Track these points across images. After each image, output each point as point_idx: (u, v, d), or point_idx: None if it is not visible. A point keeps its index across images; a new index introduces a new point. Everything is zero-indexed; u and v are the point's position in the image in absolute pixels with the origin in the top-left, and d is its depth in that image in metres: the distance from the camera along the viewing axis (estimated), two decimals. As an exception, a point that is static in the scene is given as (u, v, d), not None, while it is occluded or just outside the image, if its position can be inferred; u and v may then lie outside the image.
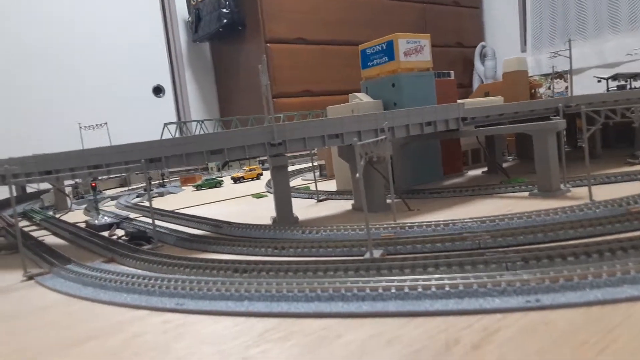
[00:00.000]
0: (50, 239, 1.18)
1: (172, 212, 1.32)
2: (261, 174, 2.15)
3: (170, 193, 1.93)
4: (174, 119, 3.71)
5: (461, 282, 0.52)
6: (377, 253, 0.70)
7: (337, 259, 0.73)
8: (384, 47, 1.32)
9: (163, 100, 3.71)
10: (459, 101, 1.45)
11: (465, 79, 4.40)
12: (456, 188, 1.18)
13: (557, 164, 1.01)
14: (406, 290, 0.53)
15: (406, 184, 1.26)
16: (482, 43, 4.46)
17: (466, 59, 4.41)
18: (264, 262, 0.70)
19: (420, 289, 0.52)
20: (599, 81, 2.04)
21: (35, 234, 1.26)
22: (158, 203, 1.64)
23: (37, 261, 0.92)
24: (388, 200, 1.11)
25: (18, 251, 1.05)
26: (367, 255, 0.69)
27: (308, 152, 1.48)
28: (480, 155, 1.68)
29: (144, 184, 2.14)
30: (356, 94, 1.38)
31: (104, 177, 1.98)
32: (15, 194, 0.84)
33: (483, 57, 4.40)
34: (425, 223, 0.83)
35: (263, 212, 1.24)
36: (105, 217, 1.27)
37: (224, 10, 3.32)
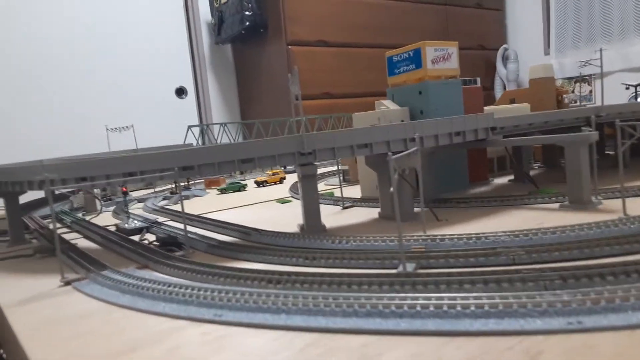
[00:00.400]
0: (82, 243, 1.21)
1: (199, 216, 1.34)
2: (284, 178, 2.17)
3: (196, 196, 1.96)
4: (196, 121, 3.76)
5: (500, 301, 0.52)
6: (409, 267, 0.71)
7: (369, 272, 0.73)
8: (411, 55, 1.32)
9: (185, 101, 3.76)
10: (486, 109, 1.44)
11: (487, 82, 4.36)
12: (483, 198, 1.18)
13: (588, 176, 1.00)
14: (445, 308, 0.53)
15: (432, 193, 1.26)
16: (505, 46, 4.42)
17: (488, 62, 4.37)
18: (297, 274, 0.71)
19: (459, 308, 0.52)
20: (627, 88, 2.01)
21: (66, 236, 1.29)
22: (184, 207, 1.66)
23: (72, 266, 0.94)
24: (415, 209, 1.12)
25: (52, 254, 1.09)
26: (400, 269, 0.69)
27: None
28: (506, 163, 1.66)
29: (170, 186, 2.17)
30: (382, 101, 1.39)
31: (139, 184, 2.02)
32: (52, 199, 0.86)
33: (505, 60, 4.36)
34: (456, 236, 0.83)
35: (289, 218, 1.25)
36: (136, 221, 1.29)
37: (247, 12, 3.35)
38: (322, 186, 1.88)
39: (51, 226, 0.96)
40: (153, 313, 0.66)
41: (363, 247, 0.87)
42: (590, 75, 3.77)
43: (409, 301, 0.55)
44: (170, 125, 3.32)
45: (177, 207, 1.59)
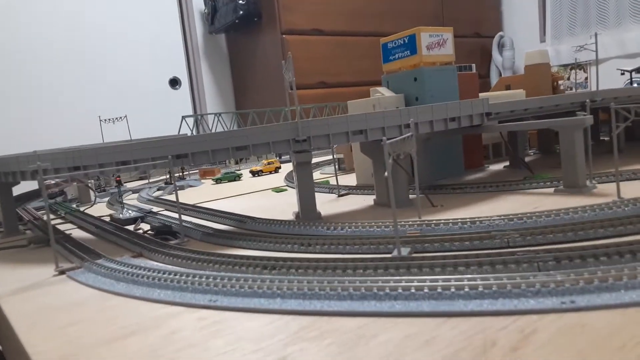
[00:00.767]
0: (77, 233, 1.21)
1: (194, 206, 1.34)
2: (279, 167, 2.16)
3: (191, 186, 1.95)
4: (190, 111, 3.74)
5: (494, 282, 0.52)
6: (404, 251, 0.71)
7: (364, 256, 0.73)
8: (406, 41, 1.31)
9: (179, 92, 3.74)
10: (481, 95, 1.44)
11: (483, 69, 4.35)
12: (479, 183, 1.18)
13: (583, 160, 1.00)
14: (439, 290, 0.53)
15: (428, 179, 1.26)
16: (500, 33, 4.40)
17: (484, 49, 4.36)
18: (292, 259, 0.71)
19: (453, 289, 0.52)
20: (622, 73, 2.01)
21: (61, 227, 1.28)
22: (179, 197, 1.66)
23: (67, 255, 0.94)
24: (411, 196, 1.12)
25: (47, 245, 1.08)
26: (395, 254, 0.69)
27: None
28: (501, 149, 1.66)
29: (164, 177, 2.16)
30: (377, 88, 1.38)
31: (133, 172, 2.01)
32: (45, 188, 0.85)
33: (501, 47, 4.35)
34: (451, 220, 0.83)
35: (284, 206, 1.25)
36: (130, 211, 1.29)
37: (240, 1, 3.32)
38: (317, 175, 1.88)
39: (45, 217, 0.95)
40: (148, 300, 0.65)
41: (358, 233, 0.87)
42: (586, 62, 3.76)
43: (403, 283, 0.55)
44: (164, 116, 3.30)
45: (172, 197, 1.58)
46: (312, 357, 0.45)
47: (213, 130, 2.30)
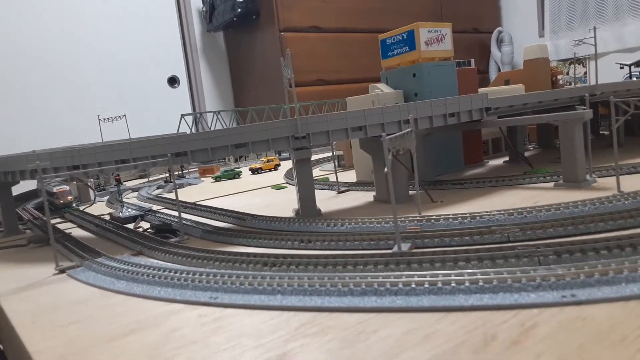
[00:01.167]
0: (77, 232, 1.21)
1: (194, 204, 1.34)
2: (279, 165, 2.16)
3: (190, 184, 1.95)
4: (189, 110, 3.73)
5: (495, 277, 0.52)
6: (404, 247, 0.71)
7: (365, 252, 0.73)
8: (405, 37, 1.31)
9: (178, 90, 3.73)
10: (480, 90, 1.44)
11: (482, 65, 4.34)
12: (479, 179, 1.17)
13: (583, 154, 1.00)
14: (439, 285, 0.53)
15: (428, 175, 1.26)
16: (499, 28, 4.39)
17: (482, 45, 4.35)
18: (292, 256, 0.71)
19: (453, 284, 0.52)
20: (621, 67, 2.01)
21: (61, 226, 1.28)
22: (179, 195, 1.66)
23: (66, 254, 0.94)
24: (410, 192, 1.11)
25: (47, 244, 1.08)
26: (395, 249, 0.69)
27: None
28: (501, 145, 1.66)
29: (164, 175, 2.16)
30: (376, 84, 1.38)
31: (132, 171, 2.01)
32: (44, 188, 0.85)
33: (500, 42, 4.34)
34: (451, 215, 0.83)
35: (284, 203, 1.25)
36: (130, 210, 1.29)
37: (238, -1, 3.30)
38: (317, 172, 1.88)
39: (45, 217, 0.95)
40: (149, 298, 0.65)
41: (358, 229, 0.87)
42: (585, 56, 3.76)
43: (404, 279, 0.55)
44: (163, 115, 3.30)
45: (172, 195, 1.58)
46: (312, 353, 0.45)
47: (212, 129, 2.30)
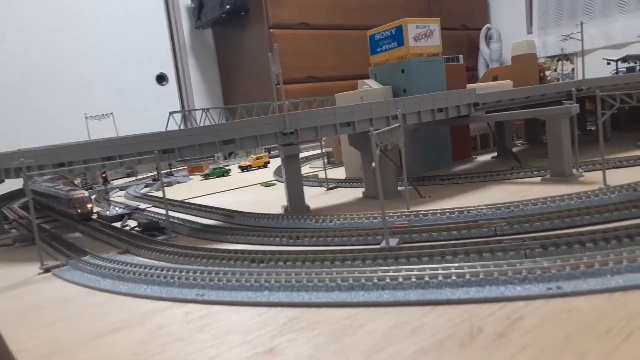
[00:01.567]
0: (63, 231, 1.19)
1: (182, 202, 1.33)
2: (268, 162, 2.15)
3: (179, 182, 1.94)
4: (178, 107, 3.70)
5: (481, 270, 0.52)
6: (392, 242, 0.71)
7: (353, 248, 0.73)
8: (393, 33, 1.31)
9: (166, 88, 3.70)
10: (469, 86, 1.44)
11: (471, 62, 4.35)
12: (467, 174, 1.18)
13: (570, 149, 1.01)
14: (426, 278, 0.53)
15: (416, 171, 1.26)
16: (488, 25, 4.41)
17: (471, 42, 4.37)
18: (280, 252, 0.70)
19: (440, 278, 0.52)
20: (608, 63, 2.02)
21: (47, 225, 1.27)
22: (167, 193, 1.65)
23: (52, 253, 0.93)
24: (399, 187, 1.11)
25: (32, 243, 1.07)
26: (383, 244, 0.69)
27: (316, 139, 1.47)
28: (489, 140, 1.67)
29: (152, 174, 2.14)
30: (365, 80, 1.37)
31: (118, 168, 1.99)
32: (28, 186, 0.84)
33: (488, 39, 4.35)
34: (439, 210, 0.83)
35: (273, 200, 1.24)
36: (117, 208, 1.27)
37: (227, -4, 3.28)
38: (306, 169, 1.87)
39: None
40: (135, 296, 0.65)
41: (347, 225, 0.87)
42: (573, 53, 3.79)
43: (391, 273, 0.55)
44: (151, 113, 3.27)
45: (160, 194, 1.57)
46: (300, 347, 0.44)
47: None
